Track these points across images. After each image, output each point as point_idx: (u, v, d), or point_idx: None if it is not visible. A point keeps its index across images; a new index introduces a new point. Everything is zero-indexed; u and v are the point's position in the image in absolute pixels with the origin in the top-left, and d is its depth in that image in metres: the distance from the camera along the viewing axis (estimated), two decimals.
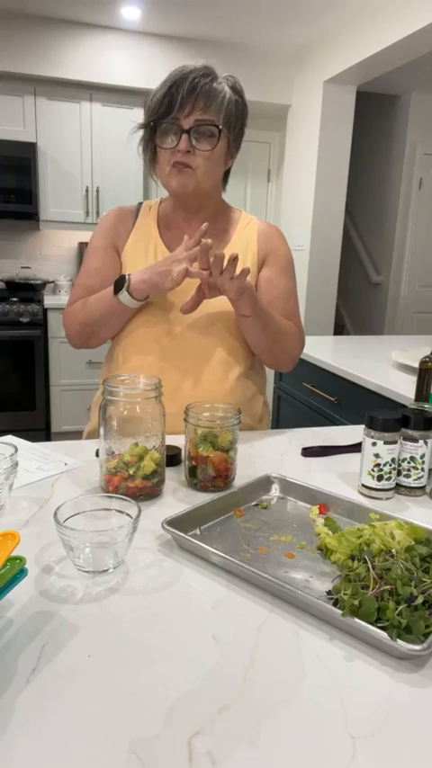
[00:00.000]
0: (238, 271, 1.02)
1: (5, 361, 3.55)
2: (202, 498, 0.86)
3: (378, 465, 0.93)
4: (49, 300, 3.67)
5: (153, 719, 0.49)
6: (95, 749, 0.46)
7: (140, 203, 1.29)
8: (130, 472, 0.87)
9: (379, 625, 0.58)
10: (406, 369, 1.95)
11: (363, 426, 0.95)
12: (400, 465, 0.95)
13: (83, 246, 4.08)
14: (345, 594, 0.62)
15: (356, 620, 0.59)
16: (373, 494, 0.94)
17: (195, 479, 0.93)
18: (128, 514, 0.72)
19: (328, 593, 0.66)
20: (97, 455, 0.99)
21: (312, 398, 2.26)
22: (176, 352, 1.17)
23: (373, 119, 4.52)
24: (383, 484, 0.93)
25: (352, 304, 4.99)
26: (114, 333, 1.22)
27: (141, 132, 1.18)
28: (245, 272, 1.02)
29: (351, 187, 4.17)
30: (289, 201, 4.06)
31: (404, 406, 1.05)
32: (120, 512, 0.73)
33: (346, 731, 0.48)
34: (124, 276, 1.12)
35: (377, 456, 0.92)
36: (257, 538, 0.80)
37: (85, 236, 4.01)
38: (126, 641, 0.58)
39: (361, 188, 4.70)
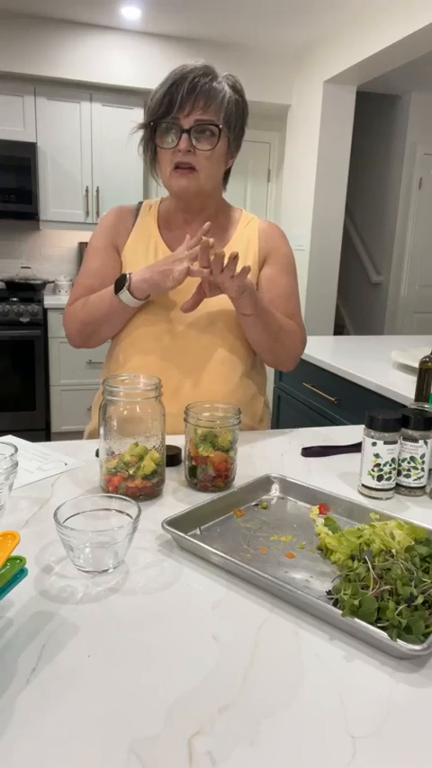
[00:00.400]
0: (238, 269, 1.02)
1: (5, 361, 3.55)
2: (202, 498, 0.86)
3: (378, 465, 0.93)
4: (49, 300, 3.67)
5: (153, 719, 0.49)
6: (95, 749, 0.46)
7: (140, 203, 1.29)
8: (130, 472, 0.87)
9: (379, 625, 0.58)
10: (406, 369, 1.95)
11: (363, 426, 0.95)
12: (400, 465, 0.95)
13: (83, 246, 4.08)
14: (345, 594, 0.62)
15: (356, 620, 0.59)
16: (373, 494, 0.94)
17: (195, 479, 0.93)
18: (128, 514, 0.72)
19: (328, 593, 0.66)
20: (97, 455, 0.99)
21: (312, 398, 2.26)
22: (177, 352, 1.17)
23: (373, 119, 4.52)
24: (383, 484, 0.93)
25: (352, 304, 4.99)
26: (115, 332, 1.22)
27: (141, 132, 1.18)
28: (245, 270, 1.02)
29: (351, 187, 4.17)
30: (289, 201, 4.06)
31: (404, 406, 1.05)
32: (120, 512, 0.73)
33: (346, 731, 0.48)
34: (125, 275, 1.12)
35: (377, 456, 0.92)
36: (257, 538, 0.80)
37: (85, 236, 4.01)
38: (126, 641, 0.58)
39: (361, 188, 4.70)
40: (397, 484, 0.96)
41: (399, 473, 0.96)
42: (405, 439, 0.94)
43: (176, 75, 1.07)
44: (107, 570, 0.70)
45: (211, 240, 1.02)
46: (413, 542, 0.72)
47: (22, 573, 0.62)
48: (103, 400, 0.88)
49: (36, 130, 3.62)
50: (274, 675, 0.54)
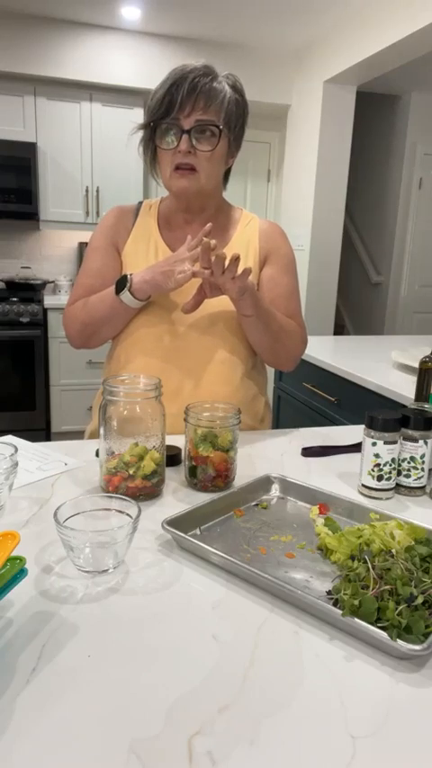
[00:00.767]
0: (239, 271, 1.01)
1: (5, 361, 3.55)
2: (202, 498, 0.86)
3: (378, 465, 0.93)
4: (49, 300, 3.67)
5: (153, 719, 0.49)
6: (95, 749, 0.46)
7: (140, 202, 1.29)
8: (130, 472, 0.87)
9: (379, 625, 0.58)
10: (406, 369, 1.95)
11: (363, 426, 0.95)
12: (400, 465, 0.95)
13: (83, 246, 4.08)
14: (345, 594, 0.62)
15: (356, 620, 0.59)
16: (373, 494, 0.94)
17: (195, 479, 0.93)
18: (128, 514, 0.72)
19: (328, 593, 0.66)
20: (97, 455, 0.99)
21: (312, 398, 2.26)
22: (178, 353, 1.17)
23: (373, 119, 4.52)
24: (383, 484, 0.93)
25: (352, 304, 4.99)
26: (115, 333, 1.22)
27: (142, 132, 1.18)
28: (246, 272, 1.02)
29: (351, 187, 4.17)
30: (289, 201, 4.06)
31: (404, 406, 1.05)
32: (120, 512, 0.73)
33: (346, 731, 0.48)
34: (126, 276, 1.12)
35: (377, 456, 0.92)
36: (257, 538, 0.80)
37: (85, 236, 4.01)
38: (126, 641, 0.58)
39: (361, 188, 4.70)
40: (397, 484, 0.96)
41: (399, 473, 0.96)
42: (405, 439, 0.94)
43: (176, 75, 1.07)
44: (107, 570, 0.70)
45: (213, 242, 1.02)
46: (413, 542, 0.72)
47: (22, 573, 0.62)
48: (103, 400, 0.88)
49: (36, 130, 3.62)
50: (274, 675, 0.54)
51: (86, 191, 3.78)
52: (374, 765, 0.46)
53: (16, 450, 0.84)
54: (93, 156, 3.74)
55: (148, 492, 0.89)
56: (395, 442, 0.93)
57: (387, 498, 0.94)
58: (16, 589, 0.62)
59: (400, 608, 0.58)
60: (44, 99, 3.60)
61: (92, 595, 0.65)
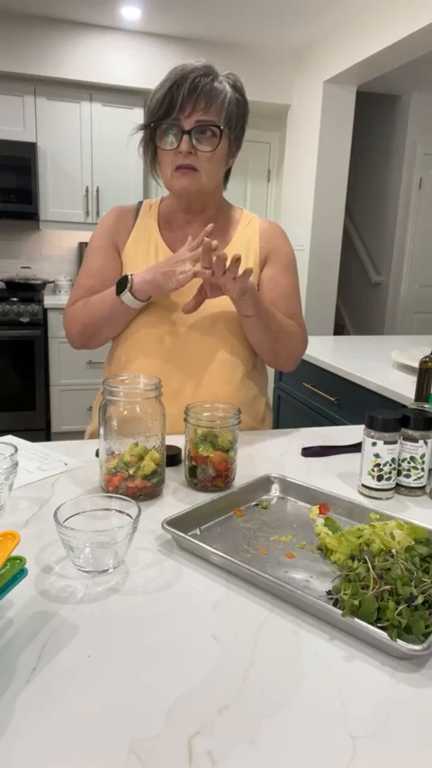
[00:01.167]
0: (240, 271, 1.01)
1: (5, 361, 3.55)
2: (202, 498, 0.86)
3: (378, 465, 0.93)
4: (49, 300, 3.67)
5: (153, 719, 0.49)
6: (95, 749, 0.46)
7: (141, 202, 1.29)
8: (130, 472, 0.87)
9: (379, 625, 0.58)
10: (406, 369, 1.95)
11: (363, 426, 0.95)
12: (400, 465, 0.95)
13: (83, 246, 4.08)
14: (345, 594, 0.62)
15: (356, 620, 0.59)
16: (373, 494, 0.94)
17: (195, 479, 0.93)
18: (128, 514, 0.72)
19: (328, 593, 0.66)
20: (97, 455, 0.99)
21: (312, 398, 2.26)
22: (179, 353, 1.17)
23: (373, 119, 4.52)
24: (383, 484, 0.93)
25: (352, 304, 5.00)
26: (116, 333, 1.22)
27: (142, 133, 1.18)
28: (247, 272, 1.01)
29: (351, 187, 4.17)
30: (289, 201, 4.06)
31: (404, 406, 1.05)
32: (120, 512, 0.73)
33: (346, 731, 0.48)
34: (126, 276, 1.11)
35: (377, 456, 0.92)
36: (257, 538, 0.80)
37: (85, 236, 4.01)
38: (126, 641, 0.58)
39: (361, 188, 4.70)
40: (397, 484, 0.96)
41: (399, 473, 0.96)
42: (405, 439, 0.94)
43: (177, 75, 1.07)
44: (107, 570, 0.70)
45: (214, 242, 1.01)
46: (413, 542, 0.72)
47: (22, 573, 0.62)
48: (103, 400, 0.88)
49: (36, 130, 3.62)
50: (274, 675, 0.54)
51: (86, 191, 3.78)
52: (374, 765, 0.46)
53: (16, 450, 0.84)
54: (93, 156, 3.74)
55: (148, 492, 0.89)
56: (395, 442, 0.93)
57: (387, 498, 0.94)
58: (16, 589, 0.62)
59: (400, 608, 0.58)
60: (44, 99, 3.60)
61: (92, 595, 0.65)
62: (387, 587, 0.61)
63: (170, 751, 0.46)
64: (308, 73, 3.74)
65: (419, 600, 0.59)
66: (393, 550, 0.69)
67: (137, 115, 3.67)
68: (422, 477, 0.95)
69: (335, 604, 0.62)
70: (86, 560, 0.69)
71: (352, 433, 1.27)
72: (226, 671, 0.55)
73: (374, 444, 0.92)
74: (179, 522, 0.77)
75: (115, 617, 0.62)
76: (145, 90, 3.62)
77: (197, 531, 0.81)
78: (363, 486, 0.95)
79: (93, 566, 0.69)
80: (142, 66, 3.65)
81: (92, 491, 0.92)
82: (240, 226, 1.25)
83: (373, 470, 0.93)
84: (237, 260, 1.00)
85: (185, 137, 1.08)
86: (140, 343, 1.18)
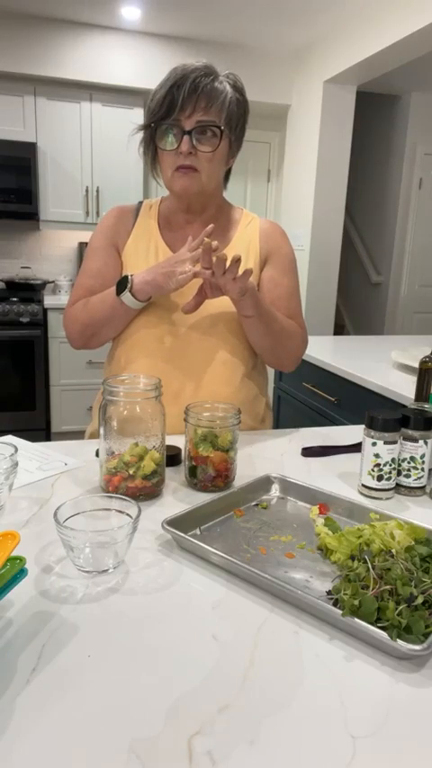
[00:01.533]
0: (240, 272, 1.01)
1: (5, 361, 3.55)
2: (202, 498, 0.86)
3: (378, 465, 0.93)
4: (49, 300, 3.67)
5: (153, 719, 0.49)
6: (95, 749, 0.46)
7: (141, 202, 1.29)
8: (130, 472, 0.87)
9: (379, 625, 0.58)
10: (406, 369, 1.95)
11: (363, 426, 0.95)
12: (400, 465, 0.95)
13: (83, 246, 4.08)
14: (345, 594, 0.62)
15: (356, 620, 0.59)
16: (373, 494, 0.94)
17: (195, 479, 0.93)
18: (128, 514, 0.72)
19: (328, 593, 0.66)
20: (97, 455, 0.99)
21: (312, 398, 2.26)
22: (179, 354, 1.17)
23: (373, 119, 4.52)
24: (383, 484, 0.93)
25: (352, 304, 5.00)
26: (116, 334, 1.22)
27: (142, 133, 1.18)
28: (247, 273, 1.01)
29: (351, 187, 4.18)
30: (289, 201, 4.06)
31: (404, 406, 1.05)
32: (120, 512, 0.73)
33: (346, 731, 0.48)
34: (127, 277, 1.11)
35: (377, 456, 0.92)
36: (257, 538, 0.80)
37: (85, 236, 4.01)
38: (126, 641, 0.58)
39: (361, 188, 4.70)
40: (397, 484, 0.96)
41: (399, 473, 0.96)
42: (405, 439, 0.94)
43: (177, 75, 1.06)
44: (107, 570, 0.70)
45: (215, 243, 1.01)
46: (413, 542, 0.72)
47: (22, 573, 0.62)
48: (104, 400, 0.88)
49: (36, 130, 3.62)
50: (274, 675, 0.54)
51: (86, 191, 3.78)
52: (374, 765, 0.46)
53: (16, 450, 0.84)
54: (93, 156, 3.74)
55: (148, 492, 0.89)
56: (395, 442, 0.93)
57: (387, 498, 0.94)
58: (16, 589, 0.62)
59: (400, 608, 0.58)
60: (44, 99, 3.60)
61: (92, 595, 0.65)
62: (387, 587, 0.61)
63: (170, 751, 0.46)
64: (308, 73, 3.74)
65: (419, 600, 0.59)
66: (393, 550, 0.69)
67: (137, 115, 3.67)
68: (422, 477, 0.95)
69: (335, 604, 0.62)
70: (86, 560, 0.69)
71: (352, 433, 1.27)
72: (226, 671, 0.55)
73: (374, 444, 0.92)
74: (179, 522, 0.77)
75: (115, 617, 0.62)
76: (145, 90, 3.62)
77: (197, 531, 0.81)
78: (363, 486, 0.95)
79: (93, 566, 0.69)
80: (142, 66, 3.65)
81: (92, 491, 0.92)
82: (240, 226, 1.25)
83: (373, 470, 0.93)
84: (237, 260, 1.00)
85: (186, 137, 1.07)
86: (140, 343, 1.18)
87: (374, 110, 4.46)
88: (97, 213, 3.81)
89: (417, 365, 1.28)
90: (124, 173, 3.79)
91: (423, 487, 0.96)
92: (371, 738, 0.48)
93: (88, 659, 0.55)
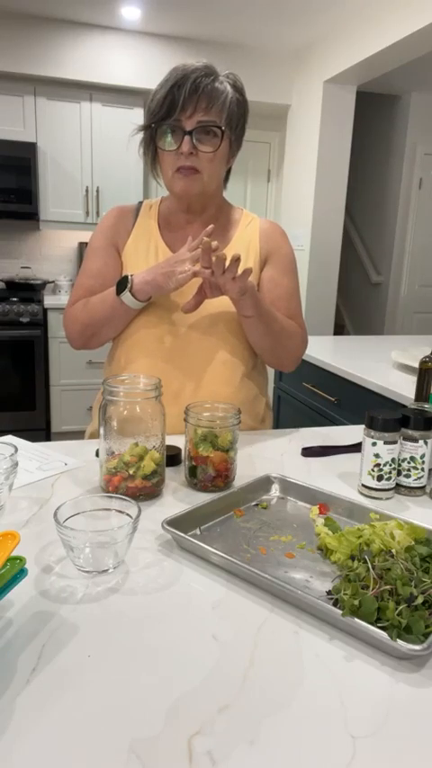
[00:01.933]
0: (239, 271, 1.01)
1: (5, 361, 3.55)
2: (202, 498, 0.86)
3: (378, 465, 0.93)
4: (49, 300, 3.67)
5: (153, 719, 0.49)
6: (95, 749, 0.46)
7: (141, 202, 1.29)
8: (130, 472, 0.87)
9: (379, 625, 0.58)
10: (406, 369, 1.95)
11: (363, 426, 0.95)
12: (400, 465, 0.95)
13: (83, 246, 4.08)
14: (345, 594, 0.62)
15: (356, 620, 0.59)
16: (373, 494, 0.94)
17: (195, 479, 0.93)
18: (128, 514, 0.72)
19: (328, 593, 0.66)
20: (97, 455, 0.99)
21: (312, 398, 2.26)
22: (179, 354, 1.17)
23: (373, 119, 4.52)
24: (383, 484, 0.93)
25: (352, 304, 4.99)
26: (116, 333, 1.22)
27: (142, 133, 1.18)
28: (247, 272, 1.01)
29: (351, 187, 4.18)
30: (289, 201, 4.06)
31: (404, 406, 1.05)
32: (120, 512, 0.73)
33: (346, 731, 0.48)
34: (127, 277, 1.11)
35: (377, 456, 0.92)
36: (257, 538, 0.80)
37: (85, 236, 4.01)
38: (126, 641, 0.58)
39: (361, 188, 4.70)
40: (397, 484, 0.96)
41: (399, 473, 0.96)
42: (405, 439, 0.94)
43: (178, 75, 1.06)
44: (107, 570, 0.70)
45: (214, 243, 1.01)
46: (413, 542, 0.72)
47: (22, 573, 0.62)
48: (104, 400, 0.88)
49: (36, 130, 3.62)
50: (274, 675, 0.54)
51: (86, 191, 3.78)
52: (374, 765, 0.46)
53: (16, 450, 0.84)
54: (93, 156, 3.74)
55: (148, 492, 0.89)
56: (395, 442, 0.93)
57: (387, 498, 0.94)
58: (16, 589, 0.62)
59: (400, 608, 0.58)
60: (44, 99, 3.60)
61: (92, 595, 0.65)
62: (387, 587, 0.61)
63: (170, 751, 0.46)
64: (308, 73, 3.74)
65: (419, 600, 0.59)
66: (393, 550, 0.69)
67: (137, 115, 3.67)
68: (422, 477, 0.95)
69: (335, 604, 0.62)
70: (86, 560, 0.69)
71: (352, 433, 1.27)
72: (226, 671, 0.55)
73: (374, 444, 0.92)
74: (179, 522, 0.77)
75: (115, 617, 0.62)
76: (145, 90, 3.62)
77: (197, 531, 0.81)
78: (363, 486, 0.95)
79: (93, 566, 0.69)
80: (142, 66, 3.65)
81: (92, 491, 0.92)
82: (240, 226, 1.25)
83: (373, 470, 0.93)
84: (236, 260, 1.00)
85: (187, 137, 1.07)
86: (140, 343, 1.18)
87: (374, 110, 4.46)
88: (97, 213, 3.81)
89: (417, 365, 1.28)
90: (124, 173, 3.79)
91: (423, 487, 0.96)
92: (371, 738, 0.48)
93: (88, 659, 0.55)
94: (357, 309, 4.94)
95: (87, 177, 3.77)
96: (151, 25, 3.52)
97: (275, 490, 0.94)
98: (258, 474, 0.96)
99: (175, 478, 0.97)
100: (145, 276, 1.10)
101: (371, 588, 0.62)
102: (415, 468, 0.95)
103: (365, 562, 0.66)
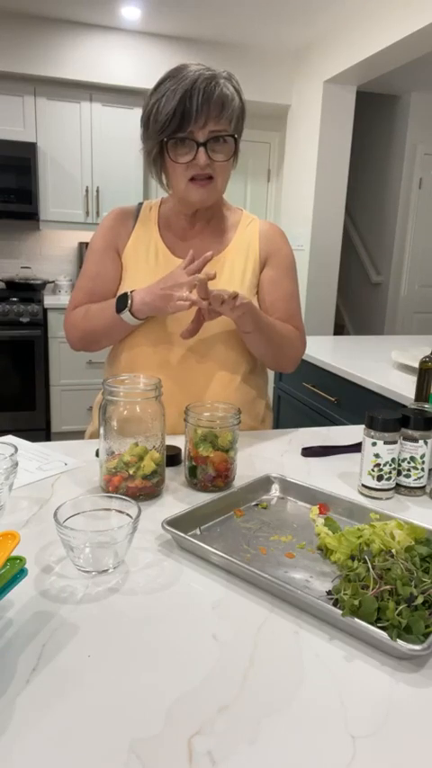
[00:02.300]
0: (238, 303, 1.02)
1: (5, 361, 3.55)
2: (202, 498, 0.86)
3: (378, 465, 0.93)
4: (49, 300, 3.67)
5: (153, 719, 0.49)
6: (96, 749, 0.46)
7: (140, 204, 1.29)
8: (130, 472, 0.87)
9: (379, 625, 0.58)
10: (406, 369, 1.95)
11: (363, 426, 0.95)
12: (400, 465, 0.95)
13: (83, 246, 4.08)
14: (345, 594, 0.62)
15: (356, 620, 0.59)
16: (373, 494, 0.94)
17: (195, 479, 0.93)
18: (128, 514, 0.72)
19: (328, 593, 0.66)
20: (97, 455, 0.99)
21: (312, 398, 2.26)
22: (176, 357, 1.17)
23: (373, 119, 4.52)
24: (383, 484, 0.93)
25: (352, 304, 4.99)
26: (115, 343, 1.23)
27: (142, 132, 1.17)
28: (245, 304, 1.03)
29: (351, 187, 4.17)
30: (289, 201, 4.05)
31: (404, 406, 1.05)
32: (120, 512, 0.73)
33: (346, 731, 0.48)
34: (126, 295, 1.11)
35: (377, 456, 0.92)
36: (257, 538, 0.80)
37: (85, 236, 4.01)
38: (126, 641, 0.58)
39: (361, 188, 4.70)
40: (397, 484, 0.96)
41: (399, 473, 0.96)
42: (405, 439, 0.94)
43: (186, 85, 1.03)
44: (107, 570, 0.70)
45: (212, 273, 1.02)
46: (413, 542, 0.72)
47: (22, 573, 0.62)
48: (104, 400, 0.88)
49: (36, 130, 3.62)
50: (274, 675, 0.54)
51: (86, 191, 3.78)
52: (374, 765, 0.46)
53: (16, 450, 0.84)
54: (93, 156, 3.74)
55: (148, 492, 0.89)
56: (395, 442, 0.93)
57: (387, 498, 0.94)
58: (16, 589, 0.62)
59: (400, 608, 0.58)
60: (44, 99, 3.60)
61: (92, 595, 0.65)
62: (387, 587, 0.61)
63: (170, 751, 0.46)
64: (308, 73, 3.74)
65: (419, 600, 0.59)
66: (393, 550, 0.69)
67: (137, 115, 3.63)
68: (422, 477, 0.95)
69: (335, 604, 0.62)
70: (86, 560, 0.69)
71: (352, 432, 1.27)
72: (226, 671, 0.55)
73: (374, 444, 0.92)
74: (179, 522, 0.77)
75: (115, 617, 0.62)
76: (145, 90, 3.62)
77: (197, 531, 0.81)
78: (363, 486, 0.95)
79: (93, 566, 0.69)
80: (142, 66, 3.65)
81: (92, 491, 0.92)
82: (240, 227, 1.25)
83: (373, 470, 0.93)
84: (233, 297, 1.01)
85: (201, 149, 1.06)
86: (141, 356, 1.18)
87: (374, 110, 4.46)
88: (97, 213, 3.81)
89: (417, 365, 1.28)
90: (124, 173, 3.79)
91: (423, 487, 0.96)
92: (371, 738, 0.48)
93: (88, 659, 0.55)
94: (357, 309, 4.93)
95: (87, 177, 3.76)
96: (151, 25, 3.52)
97: (275, 490, 0.94)
98: (258, 474, 0.96)
99: (175, 478, 0.97)
100: (144, 297, 1.10)
101: (371, 588, 0.62)
102: (415, 468, 0.95)
103: (365, 562, 0.66)
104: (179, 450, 1.03)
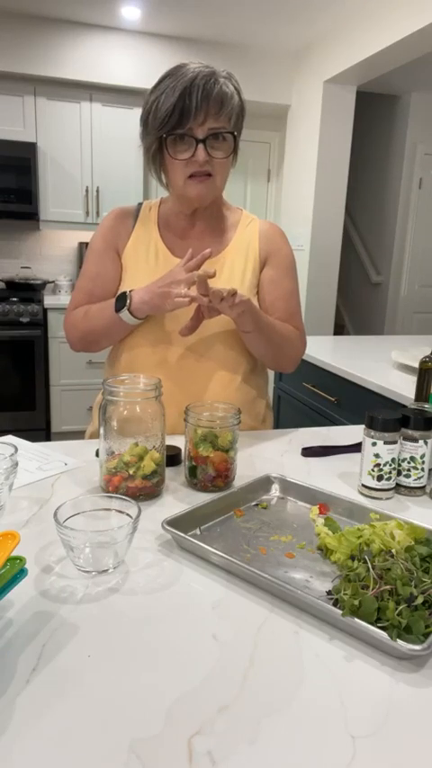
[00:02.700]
0: (237, 300, 1.02)
1: (5, 361, 3.55)
2: (202, 498, 0.86)
3: (378, 465, 0.93)
4: (49, 300, 3.67)
5: (153, 719, 0.49)
6: (96, 749, 0.46)
7: (140, 204, 1.29)
8: (130, 472, 0.87)
9: (379, 625, 0.58)
10: (406, 369, 1.95)
11: (363, 426, 0.95)
12: (400, 465, 0.95)
13: (83, 246, 4.08)
14: (345, 594, 0.62)
15: (356, 620, 0.59)
16: (373, 494, 0.94)
17: (195, 479, 0.93)
18: (128, 514, 0.72)
19: (328, 593, 0.66)
20: (97, 455, 0.99)
21: (312, 398, 2.26)
22: (178, 363, 1.17)
23: (373, 119, 4.52)
24: (383, 484, 0.93)
25: (352, 304, 4.99)
26: (115, 342, 1.23)
27: (141, 130, 1.17)
28: (244, 302, 1.03)
29: (351, 187, 4.17)
30: (289, 201, 4.05)
31: (404, 406, 1.05)
32: (120, 512, 0.73)
33: (346, 731, 0.48)
34: (125, 294, 1.12)
35: (377, 456, 0.92)
36: (257, 538, 0.80)
37: (85, 236, 4.01)
38: (126, 641, 0.58)
39: (361, 188, 4.70)
40: (397, 484, 0.96)
41: (399, 473, 0.96)
42: (405, 439, 0.94)
43: (185, 82, 1.03)
44: (107, 570, 0.70)
45: (212, 271, 1.02)
46: (413, 542, 0.72)
47: (22, 573, 0.62)
48: (104, 400, 0.88)
49: (36, 130, 3.62)
50: (274, 675, 0.54)
51: (86, 191, 3.78)
52: (374, 765, 0.46)
53: (16, 450, 0.84)
54: (93, 156, 3.74)
55: (148, 492, 0.89)
56: (395, 442, 0.93)
57: (387, 498, 0.94)
58: (16, 589, 0.62)
59: (400, 608, 0.58)
60: (44, 99, 3.60)
61: (92, 595, 0.65)
62: (387, 587, 0.61)
63: (170, 751, 0.46)
64: (307, 73, 3.73)
65: (419, 600, 0.59)
66: (393, 550, 0.69)
67: (137, 115, 3.63)
68: (422, 477, 0.95)
69: (335, 604, 0.62)
70: (86, 560, 0.69)
71: (352, 433, 1.27)
72: (226, 671, 0.55)
73: (374, 444, 0.92)
74: (179, 522, 0.77)
75: (115, 617, 0.62)
76: (145, 90, 3.61)
77: (197, 531, 0.81)
78: (363, 486, 0.95)
79: (93, 566, 0.69)
80: (142, 66, 3.65)
81: (92, 491, 0.92)
82: (240, 227, 1.25)
83: (373, 470, 0.93)
84: (232, 294, 1.01)
85: (200, 146, 1.06)
86: (141, 356, 1.18)
87: (374, 110, 4.46)
88: (97, 213, 3.81)
89: (417, 365, 1.28)
90: (124, 173, 3.79)
91: (423, 487, 0.96)
92: (371, 738, 0.48)
93: (88, 659, 0.55)
94: (357, 309, 4.93)
95: (87, 177, 3.77)
96: (151, 25, 3.52)
97: (275, 490, 0.94)
98: (258, 474, 0.96)
99: (175, 478, 0.97)
100: (143, 296, 1.10)
101: (371, 588, 0.62)
102: (415, 468, 0.95)
103: (365, 562, 0.66)
104: (179, 450, 1.03)
